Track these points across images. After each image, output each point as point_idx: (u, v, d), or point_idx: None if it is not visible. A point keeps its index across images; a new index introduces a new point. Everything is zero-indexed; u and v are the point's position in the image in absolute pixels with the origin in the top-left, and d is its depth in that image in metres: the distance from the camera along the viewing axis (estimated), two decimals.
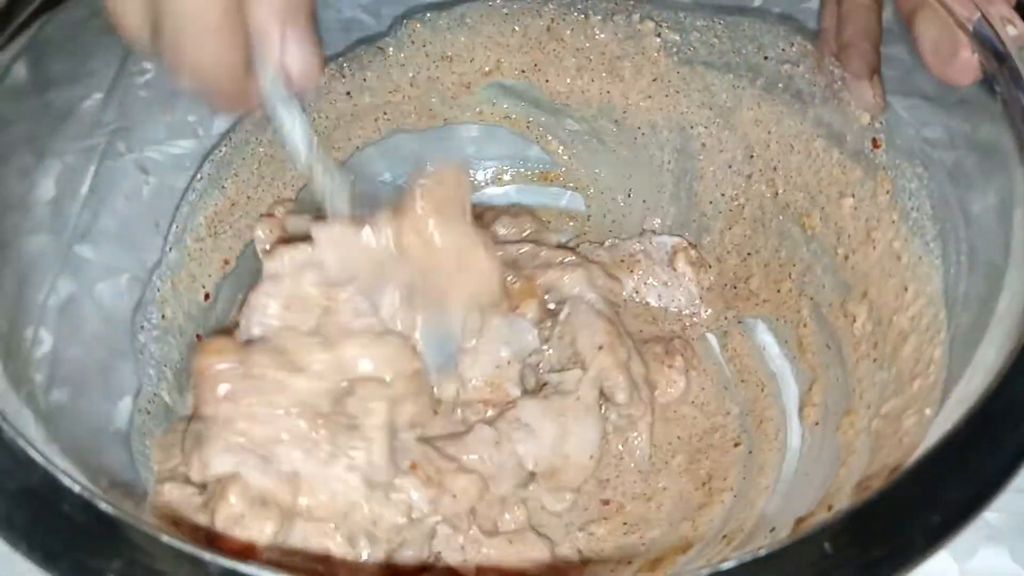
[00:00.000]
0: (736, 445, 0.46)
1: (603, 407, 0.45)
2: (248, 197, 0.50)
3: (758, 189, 0.50)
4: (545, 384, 0.44)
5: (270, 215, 0.48)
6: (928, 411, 0.34)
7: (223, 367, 0.36)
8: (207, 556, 0.24)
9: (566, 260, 0.48)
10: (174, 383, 0.44)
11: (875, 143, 0.43)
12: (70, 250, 0.41)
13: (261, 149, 0.51)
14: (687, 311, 0.51)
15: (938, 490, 0.27)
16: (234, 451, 0.36)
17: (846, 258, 0.45)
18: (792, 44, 0.47)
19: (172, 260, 0.47)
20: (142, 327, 0.44)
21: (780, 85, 0.48)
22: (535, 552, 0.41)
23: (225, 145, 0.49)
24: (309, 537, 0.36)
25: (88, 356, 0.41)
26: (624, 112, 0.54)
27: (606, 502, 0.44)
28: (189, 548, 0.24)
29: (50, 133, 0.40)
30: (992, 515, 0.37)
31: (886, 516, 0.27)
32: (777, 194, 0.49)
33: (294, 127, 0.34)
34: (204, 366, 0.36)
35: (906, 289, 0.41)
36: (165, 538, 0.24)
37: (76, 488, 0.25)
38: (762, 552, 0.26)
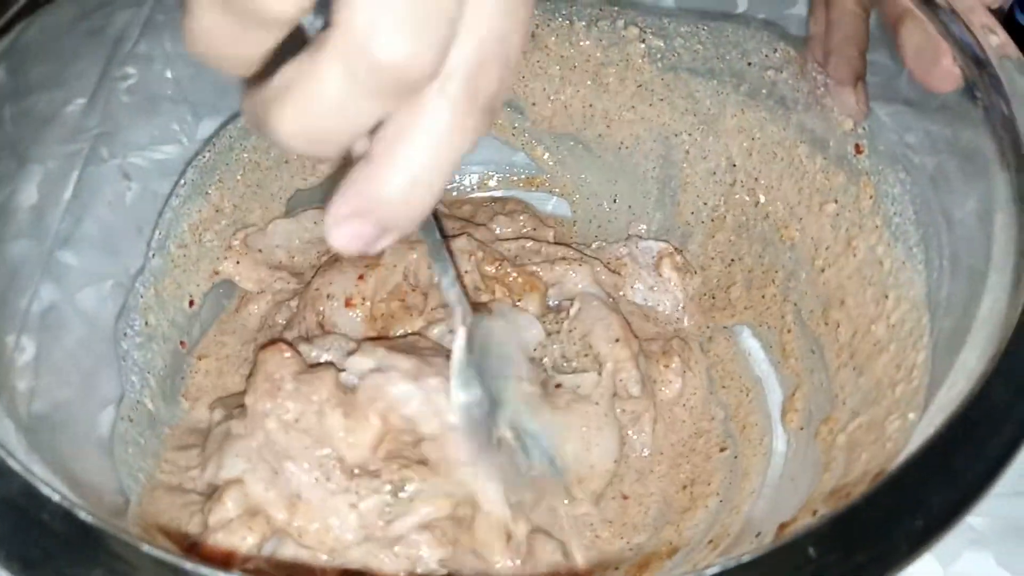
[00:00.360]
0: (722, 450, 0.46)
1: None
2: (234, 205, 0.50)
3: (740, 198, 0.50)
4: (559, 385, 0.44)
5: (230, 247, 0.49)
6: (912, 415, 0.34)
7: (285, 366, 0.38)
8: (188, 566, 0.24)
9: (567, 255, 0.49)
10: (158, 391, 0.44)
11: (858, 149, 0.44)
12: (52, 256, 0.41)
13: (245, 155, 0.50)
14: (672, 316, 0.51)
15: (922, 494, 0.27)
16: (248, 456, 0.37)
17: (823, 270, 0.45)
18: (776, 50, 0.47)
19: (155, 267, 0.46)
20: (125, 334, 0.44)
21: (764, 91, 0.48)
22: (547, 555, 0.41)
23: (209, 151, 0.49)
24: (300, 559, 0.36)
25: (71, 364, 0.40)
26: (608, 126, 0.54)
27: (626, 496, 0.45)
28: (170, 558, 0.24)
29: (32, 138, 0.40)
30: (976, 519, 0.38)
31: (870, 521, 0.27)
32: (759, 203, 0.49)
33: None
34: (268, 357, 0.38)
35: (886, 296, 0.41)
36: (145, 547, 0.24)
37: (56, 497, 0.25)
38: (746, 557, 0.26)
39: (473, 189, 0.58)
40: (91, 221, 0.42)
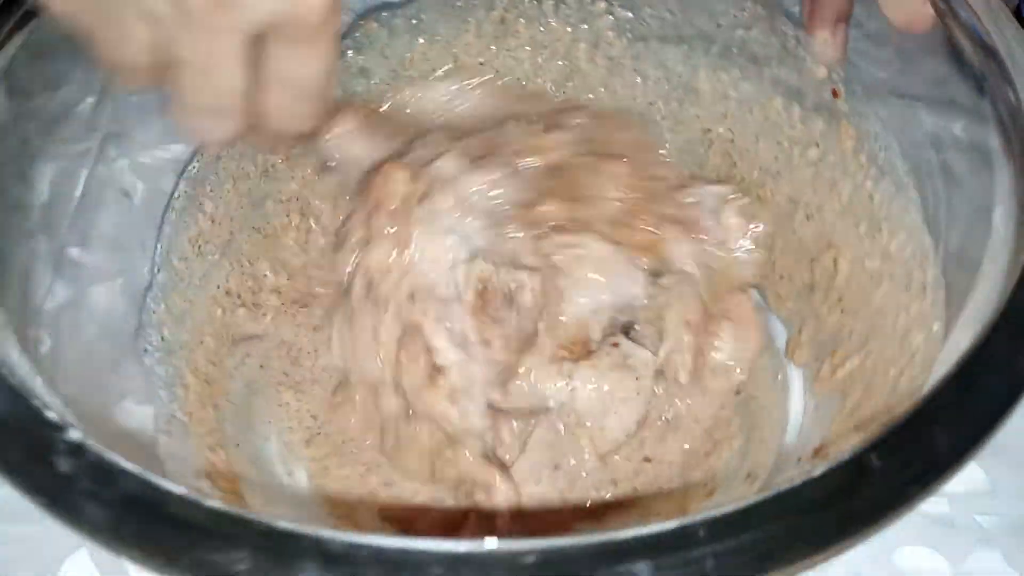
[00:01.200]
0: (737, 393, 0.48)
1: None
2: (231, 217, 0.50)
3: (716, 161, 0.52)
4: (616, 344, 0.44)
5: None
6: (936, 326, 0.36)
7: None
8: (327, 534, 0.24)
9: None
10: (185, 401, 0.44)
11: (835, 93, 0.46)
12: (63, 254, 0.40)
13: (233, 164, 0.50)
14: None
15: (976, 392, 0.29)
16: None
17: (808, 217, 0.47)
18: (744, 9, 0.49)
19: (161, 281, 0.46)
20: (145, 350, 0.44)
21: (735, 50, 0.50)
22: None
23: (197, 161, 0.49)
24: None
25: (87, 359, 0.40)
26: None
27: (648, 459, 0.45)
28: (308, 529, 0.25)
29: (43, 137, 0.40)
30: (984, 518, 0.40)
31: (928, 425, 0.28)
32: (735, 164, 0.51)
33: None
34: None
35: (880, 228, 0.43)
36: (282, 523, 0.25)
37: (178, 490, 0.25)
38: (817, 471, 0.27)
39: None
40: (103, 220, 0.42)
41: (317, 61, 0.31)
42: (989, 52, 0.36)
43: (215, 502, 0.25)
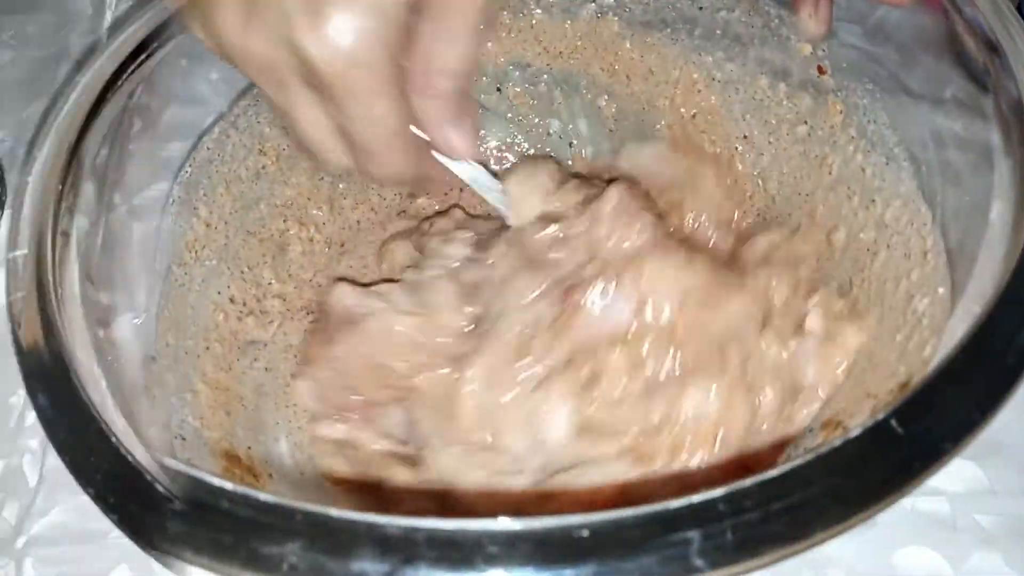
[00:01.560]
0: None
1: None
2: (225, 222, 0.49)
3: (712, 149, 0.53)
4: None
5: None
6: (941, 290, 0.37)
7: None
8: (382, 519, 0.25)
9: None
10: (196, 407, 0.43)
11: (820, 70, 0.47)
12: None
13: (225, 167, 0.50)
14: None
15: (992, 355, 0.29)
16: None
17: (808, 193, 0.48)
18: None
19: (163, 289, 0.46)
20: (153, 358, 0.43)
21: (718, 32, 0.51)
22: None
23: (189, 165, 0.49)
24: None
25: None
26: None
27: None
28: (361, 516, 0.25)
29: None
30: (985, 519, 0.40)
31: (946, 391, 0.29)
32: (732, 147, 0.52)
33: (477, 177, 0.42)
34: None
35: (873, 200, 0.44)
36: (334, 512, 0.25)
37: (229, 486, 0.25)
38: (836, 442, 0.27)
39: None
40: None
41: (357, 118, 0.33)
42: (992, 48, 0.36)
43: (265, 495, 0.25)
